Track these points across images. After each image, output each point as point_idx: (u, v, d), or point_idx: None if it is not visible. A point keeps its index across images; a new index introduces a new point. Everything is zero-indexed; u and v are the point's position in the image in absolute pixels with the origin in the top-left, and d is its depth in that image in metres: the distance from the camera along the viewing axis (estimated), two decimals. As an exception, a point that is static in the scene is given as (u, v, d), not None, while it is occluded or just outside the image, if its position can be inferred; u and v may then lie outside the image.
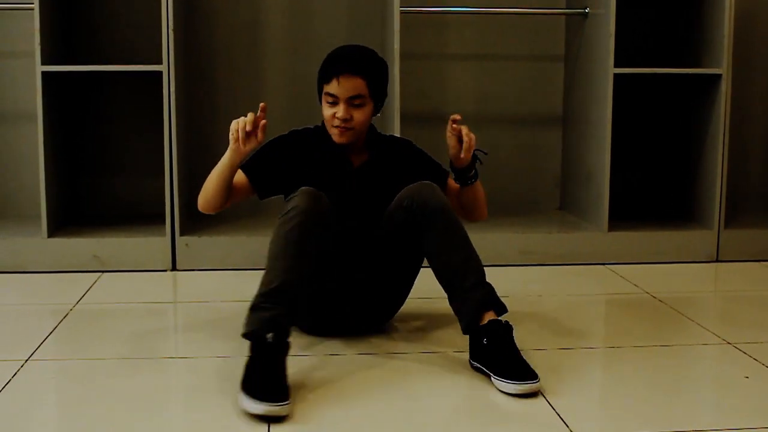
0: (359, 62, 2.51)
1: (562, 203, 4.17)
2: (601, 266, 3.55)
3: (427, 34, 4.05)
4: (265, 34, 4.01)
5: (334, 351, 2.48)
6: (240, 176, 2.55)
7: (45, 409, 2.15)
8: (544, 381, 2.22)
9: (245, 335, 2.20)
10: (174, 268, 3.49)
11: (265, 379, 2.08)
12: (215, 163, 2.49)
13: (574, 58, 3.99)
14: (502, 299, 2.40)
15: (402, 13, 3.52)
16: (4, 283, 3.29)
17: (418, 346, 2.54)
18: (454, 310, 2.42)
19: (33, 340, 2.57)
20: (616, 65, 3.56)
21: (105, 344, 2.56)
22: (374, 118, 2.62)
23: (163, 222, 3.51)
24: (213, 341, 2.57)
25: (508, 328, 2.33)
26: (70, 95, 3.84)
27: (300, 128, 2.66)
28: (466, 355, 2.37)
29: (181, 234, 3.49)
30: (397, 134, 3.51)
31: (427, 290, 2.68)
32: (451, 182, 2.68)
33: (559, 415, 2.04)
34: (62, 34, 3.71)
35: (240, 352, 2.31)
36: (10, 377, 2.27)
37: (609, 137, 3.59)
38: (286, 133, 2.65)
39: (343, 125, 2.50)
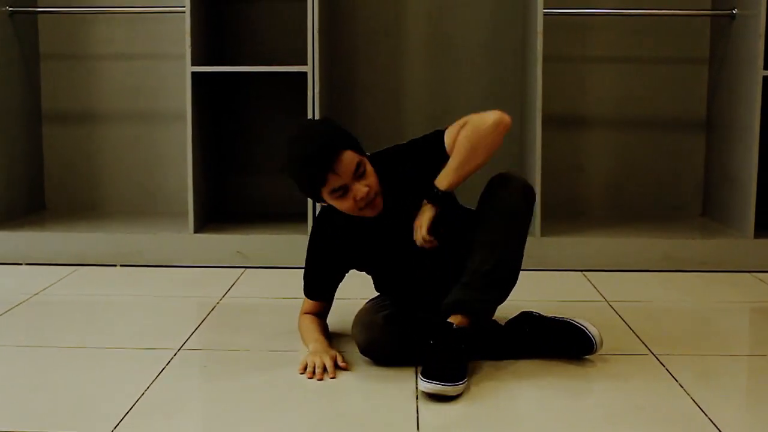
0: (331, 140, 2.23)
1: (704, 209, 4.08)
2: (747, 274, 3.46)
3: (568, 36, 4.01)
4: (406, 37, 4.06)
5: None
6: (310, 302, 2.55)
7: (197, 395, 2.23)
8: (694, 387, 2.19)
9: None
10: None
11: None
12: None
13: (719, 61, 3.90)
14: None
15: (545, 15, 3.50)
16: (153, 276, 3.42)
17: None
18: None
19: (183, 331, 2.67)
20: (765, 67, 3.46)
21: (251, 337, 2.63)
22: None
23: (305, 220, 3.57)
24: (343, 338, 2.61)
25: (456, 332, 2.20)
26: (217, 96, 3.96)
27: (323, 219, 2.47)
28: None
29: (322, 232, 3.55)
30: (539, 136, 3.50)
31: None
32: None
33: (711, 420, 2.00)
34: (210, 36, 3.83)
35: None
36: (165, 365, 2.36)
37: (756, 141, 3.49)
38: (315, 230, 2.51)
39: (368, 200, 2.27)
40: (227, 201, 4.13)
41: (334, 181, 2.23)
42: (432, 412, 2.05)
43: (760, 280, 3.37)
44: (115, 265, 3.57)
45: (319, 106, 3.52)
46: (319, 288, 2.54)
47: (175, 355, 2.45)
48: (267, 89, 4.05)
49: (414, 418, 2.01)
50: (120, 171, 4.16)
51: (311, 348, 2.40)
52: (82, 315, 2.90)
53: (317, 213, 2.50)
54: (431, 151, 2.35)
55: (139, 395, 2.13)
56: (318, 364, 2.29)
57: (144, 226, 3.78)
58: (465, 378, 2.15)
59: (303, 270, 2.52)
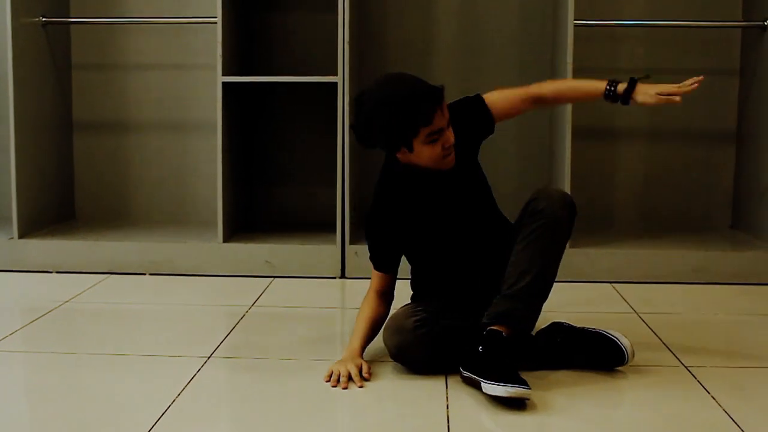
0: (437, 89, 2.31)
1: (734, 221, 4.05)
2: (778, 287, 3.44)
3: (597, 47, 4.01)
4: (435, 48, 4.06)
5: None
6: (378, 274, 2.53)
7: (227, 402, 2.24)
8: (727, 398, 2.17)
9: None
10: (343, 276, 3.56)
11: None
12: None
13: (750, 72, 3.88)
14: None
15: (575, 26, 3.49)
16: (183, 285, 3.43)
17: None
18: None
19: (214, 339, 2.68)
20: (797, 79, 3.45)
21: (280, 345, 2.63)
22: None
23: (334, 231, 3.58)
24: (378, 345, 2.62)
25: (506, 340, 2.24)
26: (247, 106, 3.99)
27: (382, 189, 2.48)
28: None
29: (351, 243, 3.56)
30: (568, 147, 3.49)
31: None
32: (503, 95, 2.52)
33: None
34: (241, 46, 3.85)
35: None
36: (196, 372, 2.37)
37: (788, 154, 3.48)
38: (379, 193, 2.49)
39: (449, 150, 2.32)
40: (256, 211, 4.14)
41: (438, 122, 2.26)
42: (463, 420, 2.04)
43: (791, 293, 3.35)
44: (144, 274, 3.59)
45: (349, 116, 3.53)
46: (384, 256, 2.51)
47: (205, 362, 2.46)
48: (297, 99, 4.07)
49: (445, 427, 2.01)
50: (150, 180, 4.18)
51: (344, 355, 2.40)
52: (112, 323, 2.92)
53: (378, 178, 2.49)
54: (474, 115, 2.45)
55: (170, 402, 2.14)
56: (343, 372, 2.30)
57: (174, 235, 3.80)
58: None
59: (367, 245, 2.53)
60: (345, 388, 2.25)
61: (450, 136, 2.30)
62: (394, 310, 2.48)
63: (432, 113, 2.24)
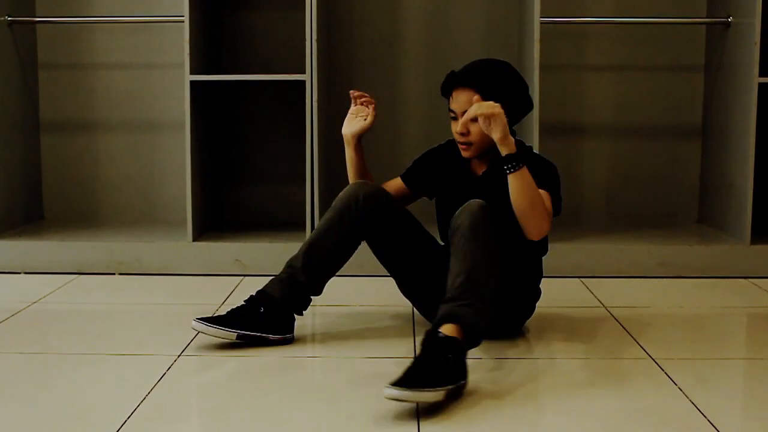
0: (471, 74, 2.55)
1: (700, 215, 4.09)
2: (744, 280, 3.47)
3: (565, 44, 4.04)
4: (403, 47, 4.07)
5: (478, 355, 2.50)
6: (398, 180, 2.79)
7: (197, 401, 2.24)
8: (694, 390, 2.20)
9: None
10: (313, 274, 3.56)
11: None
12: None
13: (715, 68, 3.92)
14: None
15: (542, 23, 3.52)
16: (152, 285, 3.42)
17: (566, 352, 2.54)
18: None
19: (184, 338, 2.67)
20: (761, 75, 3.48)
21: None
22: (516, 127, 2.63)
23: (303, 229, 3.59)
24: (350, 341, 2.62)
25: (442, 340, 2.18)
26: (215, 104, 3.98)
27: (452, 141, 2.71)
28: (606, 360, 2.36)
29: (321, 240, 3.56)
30: (536, 145, 3.51)
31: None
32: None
33: (711, 422, 2.01)
34: (208, 45, 3.84)
35: (376, 353, 2.38)
36: (166, 370, 2.37)
37: (753, 148, 3.51)
38: (442, 144, 2.80)
39: (462, 140, 2.57)
40: (225, 209, 4.14)
41: (451, 104, 2.58)
42: (433, 418, 2.05)
43: (756, 285, 3.39)
44: (113, 274, 3.57)
45: (318, 115, 3.53)
46: (416, 175, 2.78)
47: (174, 361, 2.45)
48: (266, 98, 4.07)
49: (414, 412, 2.02)
50: (118, 180, 4.17)
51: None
52: (81, 323, 2.90)
53: None
54: (538, 171, 2.55)
55: (140, 401, 2.14)
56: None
57: (142, 234, 3.79)
58: (443, 386, 2.08)
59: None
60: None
61: (460, 126, 2.53)
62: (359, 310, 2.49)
63: (446, 91, 2.59)
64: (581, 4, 4.02)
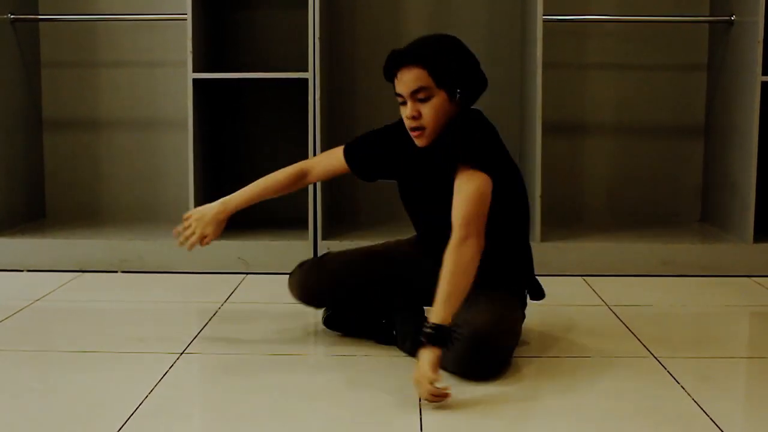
0: (416, 51, 2.31)
1: (703, 214, 4.09)
2: (746, 279, 3.47)
3: (567, 43, 4.03)
4: (405, 43, 4.05)
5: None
6: (338, 155, 2.60)
7: (199, 399, 2.24)
8: (696, 388, 2.21)
9: None
10: (315, 272, 3.56)
11: None
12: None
13: (718, 67, 3.92)
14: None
15: (544, 21, 3.52)
16: (155, 282, 3.43)
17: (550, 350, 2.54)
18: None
19: (187, 335, 2.67)
20: (764, 73, 3.48)
21: (252, 342, 2.64)
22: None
23: (306, 227, 3.59)
24: (354, 339, 2.62)
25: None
26: (218, 103, 3.98)
27: (400, 122, 2.48)
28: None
29: (323, 238, 3.57)
30: (539, 142, 3.51)
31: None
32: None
33: (713, 421, 2.01)
34: (211, 43, 3.85)
35: (366, 352, 2.38)
36: (168, 368, 2.37)
37: (755, 147, 3.50)
38: (391, 124, 2.56)
39: (413, 125, 2.32)
40: (228, 208, 4.13)
41: (397, 86, 2.33)
42: (434, 415, 2.05)
43: (759, 284, 3.39)
44: (116, 272, 3.58)
45: (320, 113, 3.53)
46: (361, 153, 2.58)
47: (177, 359, 2.45)
48: (268, 96, 4.07)
49: (417, 417, 2.02)
50: (121, 178, 4.17)
51: (208, 207, 2.59)
52: (84, 320, 2.91)
53: None
54: (458, 143, 2.29)
55: (142, 399, 2.14)
56: (196, 233, 2.58)
57: (145, 232, 3.79)
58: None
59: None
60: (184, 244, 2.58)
61: (410, 109, 2.30)
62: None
63: (388, 73, 2.36)
64: (584, 2, 4.02)
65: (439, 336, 2.11)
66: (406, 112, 2.32)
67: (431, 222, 2.45)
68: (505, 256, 2.44)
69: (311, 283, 2.61)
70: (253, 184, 2.61)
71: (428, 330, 2.11)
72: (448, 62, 2.31)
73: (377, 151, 2.57)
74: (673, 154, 4.12)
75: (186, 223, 2.58)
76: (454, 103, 2.33)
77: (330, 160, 2.63)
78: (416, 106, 2.29)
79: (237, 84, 3.99)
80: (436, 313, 2.13)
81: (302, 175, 2.63)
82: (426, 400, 2.07)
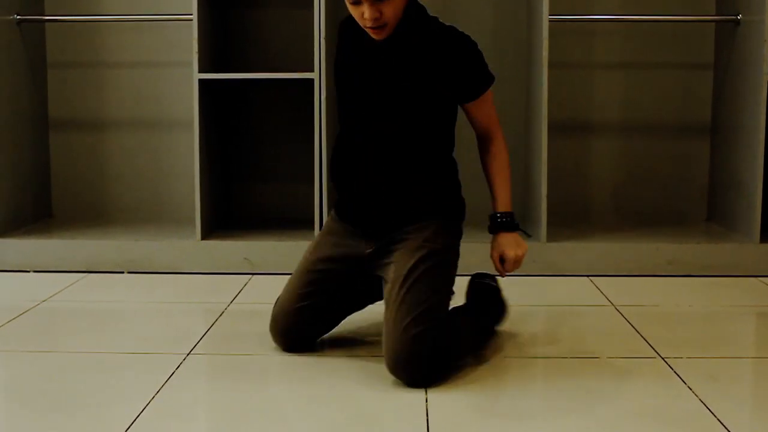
0: None
1: (709, 214, 4.08)
2: (753, 278, 3.46)
3: (573, 42, 4.03)
4: (411, 44, 4.06)
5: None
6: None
7: (206, 400, 2.24)
8: (703, 389, 2.20)
9: None
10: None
11: None
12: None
13: (724, 66, 3.91)
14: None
15: (550, 21, 3.51)
16: (161, 283, 3.43)
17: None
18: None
19: (193, 336, 2.68)
20: (770, 72, 3.48)
21: (259, 342, 2.62)
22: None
23: (312, 227, 3.59)
24: (360, 341, 2.62)
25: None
26: (224, 103, 3.98)
27: (347, 20, 2.49)
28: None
29: (329, 238, 3.56)
30: (544, 142, 3.51)
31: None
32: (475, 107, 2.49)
33: (720, 421, 2.01)
34: (217, 43, 3.85)
35: (373, 352, 2.38)
36: (175, 369, 2.37)
37: (762, 146, 3.50)
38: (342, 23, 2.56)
39: (374, 25, 2.29)
40: (234, 208, 4.14)
41: None
42: (441, 412, 2.06)
43: (765, 284, 3.38)
44: (122, 272, 3.58)
45: (326, 113, 3.53)
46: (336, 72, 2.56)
47: (183, 360, 2.46)
48: (273, 96, 4.07)
49: (424, 419, 2.02)
50: (127, 178, 4.17)
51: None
52: (90, 321, 2.91)
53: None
54: (468, 72, 2.43)
55: (148, 400, 2.14)
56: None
57: (151, 233, 3.79)
58: None
59: None
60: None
61: (370, 12, 2.26)
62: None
63: None
64: (590, 2, 4.01)
65: (511, 222, 2.50)
66: (364, 12, 2.27)
67: (381, 127, 2.41)
68: (446, 167, 2.52)
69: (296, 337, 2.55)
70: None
71: (502, 219, 2.49)
72: None
73: (339, 59, 2.55)
74: (679, 154, 4.12)
75: None
76: None
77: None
78: (377, 6, 2.26)
79: (243, 84, 4.00)
80: (503, 203, 2.50)
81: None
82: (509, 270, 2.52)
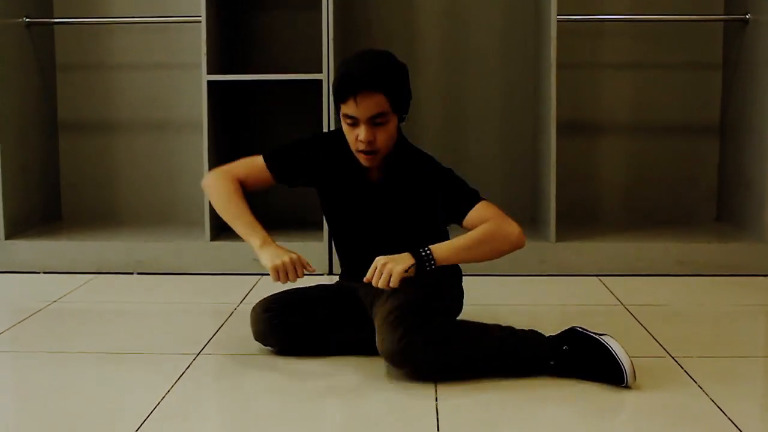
0: (376, 76, 2.28)
1: (719, 213, 4.08)
2: (763, 278, 3.45)
3: (581, 42, 4.03)
4: (419, 44, 4.07)
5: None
6: (261, 167, 2.51)
7: (216, 399, 2.25)
8: (714, 388, 2.20)
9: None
10: (330, 272, 3.57)
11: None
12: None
13: (733, 65, 3.90)
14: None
15: (558, 21, 3.51)
16: (171, 284, 3.44)
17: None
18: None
19: (202, 337, 2.68)
20: (779, 72, 3.48)
21: (270, 342, 2.64)
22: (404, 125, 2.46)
23: (320, 228, 3.59)
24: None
25: (581, 332, 2.29)
26: (232, 104, 3.99)
27: (327, 132, 2.55)
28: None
29: (338, 239, 3.56)
30: (553, 142, 3.51)
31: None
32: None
33: (731, 420, 2.00)
34: (225, 45, 3.85)
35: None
36: (185, 369, 2.38)
37: (772, 145, 3.50)
38: (314, 134, 2.59)
39: (368, 149, 2.32)
40: (242, 209, 4.14)
41: (351, 109, 2.27)
42: (451, 415, 2.06)
43: (776, 283, 3.38)
44: (132, 273, 3.59)
45: (334, 114, 3.53)
46: (285, 162, 2.50)
47: (194, 360, 2.46)
48: (282, 98, 4.07)
49: (434, 419, 2.02)
50: (136, 180, 4.18)
51: (262, 246, 2.42)
52: (100, 322, 2.92)
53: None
54: (457, 190, 2.40)
55: (159, 400, 2.15)
56: (289, 267, 2.33)
57: (161, 234, 3.80)
58: None
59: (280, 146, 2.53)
60: (295, 279, 2.33)
61: (367, 132, 2.29)
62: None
63: (345, 94, 2.27)
64: (598, 2, 4.00)
65: (425, 260, 2.24)
66: (359, 134, 2.31)
67: (376, 243, 2.43)
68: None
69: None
70: (241, 209, 2.52)
71: (422, 251, 2.25)
72: (403, 88, 2.37)
73: (304, 154, 2.51)
74: (688, 154, 4.11)
75: (281, 271, 2.37)
76: (398, 125, 2.40)
77: (252, 171, 2.55)
78: (372, 130, 2.30)
79: (251, 85, 4.00)
80: (443, 251, 2.26)
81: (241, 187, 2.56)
82: (375, 284, 2.22)
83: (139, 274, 3.59)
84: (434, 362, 2.25)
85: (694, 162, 4.11)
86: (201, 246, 3.61)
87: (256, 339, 2.53)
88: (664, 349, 2.53)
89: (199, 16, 3.56)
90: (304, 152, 2.51)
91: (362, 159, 2.36)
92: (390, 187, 2.44)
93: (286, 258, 2.34)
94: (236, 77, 3.71)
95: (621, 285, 3.34)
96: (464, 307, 2.59)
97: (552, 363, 2.27)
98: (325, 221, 2.72)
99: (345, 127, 2.34)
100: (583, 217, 4.09)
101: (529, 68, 3.99)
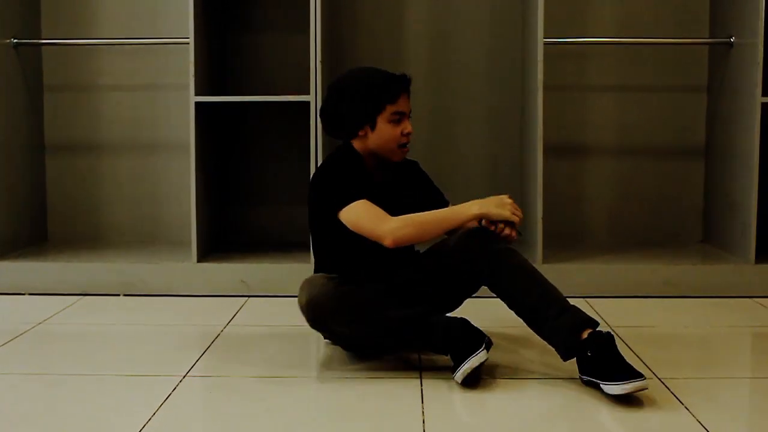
0: (403, 76, 2.61)
1: (704, 235, 4.09)
2: (748, 299, 3.47)
3: (568, 65, 4.05)
4: (407, 68, 4.06)
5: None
6: (369, 203, 2.52)
7: (202, 422, 2.24)
8: (701, 409, 2.20)
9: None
10: (317, 294, 3.56)
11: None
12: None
13: (717, 88, 3.93)
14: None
15: (545, 44, 3.53)
16: (157, 305, 3.43)
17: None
18: (549, 344, 2.44)
19: (189, 359, 2.67)
20: (764, 95, 3.49)
21: (254, 364, 2.63)
22: None
23: (308, 249, 3.58)
24: (356, 361, 2.62)
25: (609, 336, 2.35)
26: (219, 126, 3.99)
27: (337, 152, 2.65)
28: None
29: (325, 260, 3.56)
30: (540, 164, 3.53)
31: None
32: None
33: (716, 443, 2.01)
34: (213, 66, 3.86)
35: (369, 374, 2.37)
36: (171, 391, 2.37)
37: (756, 167, 3.51)
38: (336, 159, 2.65)
39: (407, 141, 2.61)
40: (230, 230, 4.14)
41: (402, 105, 2.58)
42: (439, 420, 2.06)
43: (761, 305, 3.38)
44: (118, 295, 3.58)
45: (322, 136, 3.54)
46: (364, 188, 2.55)
47: (179, 382, 2.45)
48: (269, 119, 4.08)
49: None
50: (123, 201, 4.18)
51: (481, 203, 2.52)
52: (86, 343, 2.90)
53: (334, 153, 2.68)
54: (436, 192, 2.80)
55: (144, 423, 2.14)
56: (508, 202, 2.50)
57: (147, 255, 3.79)
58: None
59: (331, 187, 2.57)
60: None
61: (410, 126, 2.59)
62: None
63: (398, 93, 2.57)
64: (584, 24, 4.04)
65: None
66: (404, 128, 2.59)
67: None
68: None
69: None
70: (430, 215, 2.54)
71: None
72: None
73: (358, 173, 2.63)
74: (674, 175, 4.13)
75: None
76: None
77: (376, 208, 2.54)
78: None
79: (239, 107, 4.01)
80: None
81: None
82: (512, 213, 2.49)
83: (125, 295, 3.58)
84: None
85: (680, 184, 4.13)
86: (188, 267, 3.60)
87: (313, 314, 2.47)
88: (650, 370, 2.54)
89: (187, 38, 3.57)
90: (357, 172, 2.62)
91: (400, 154, 2.63)
92: (393, 184, 2.69)
93: (506, 198, 2.53)
94: (224, 99, 3.72)
95: (608, 306, 3.34)
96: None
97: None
98: (311, 239, 2.79)
99: (388, 127, 2.57)
100: (570, 238, 4.10)
101: (516, 90, 4.01)
